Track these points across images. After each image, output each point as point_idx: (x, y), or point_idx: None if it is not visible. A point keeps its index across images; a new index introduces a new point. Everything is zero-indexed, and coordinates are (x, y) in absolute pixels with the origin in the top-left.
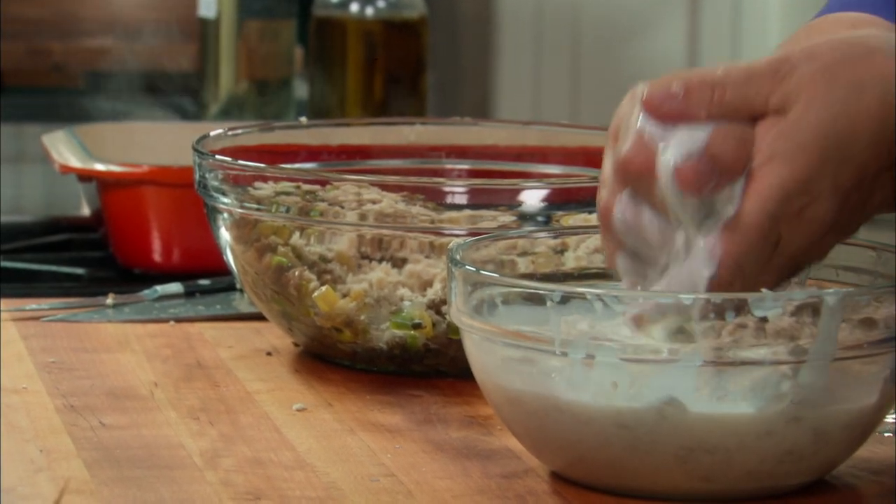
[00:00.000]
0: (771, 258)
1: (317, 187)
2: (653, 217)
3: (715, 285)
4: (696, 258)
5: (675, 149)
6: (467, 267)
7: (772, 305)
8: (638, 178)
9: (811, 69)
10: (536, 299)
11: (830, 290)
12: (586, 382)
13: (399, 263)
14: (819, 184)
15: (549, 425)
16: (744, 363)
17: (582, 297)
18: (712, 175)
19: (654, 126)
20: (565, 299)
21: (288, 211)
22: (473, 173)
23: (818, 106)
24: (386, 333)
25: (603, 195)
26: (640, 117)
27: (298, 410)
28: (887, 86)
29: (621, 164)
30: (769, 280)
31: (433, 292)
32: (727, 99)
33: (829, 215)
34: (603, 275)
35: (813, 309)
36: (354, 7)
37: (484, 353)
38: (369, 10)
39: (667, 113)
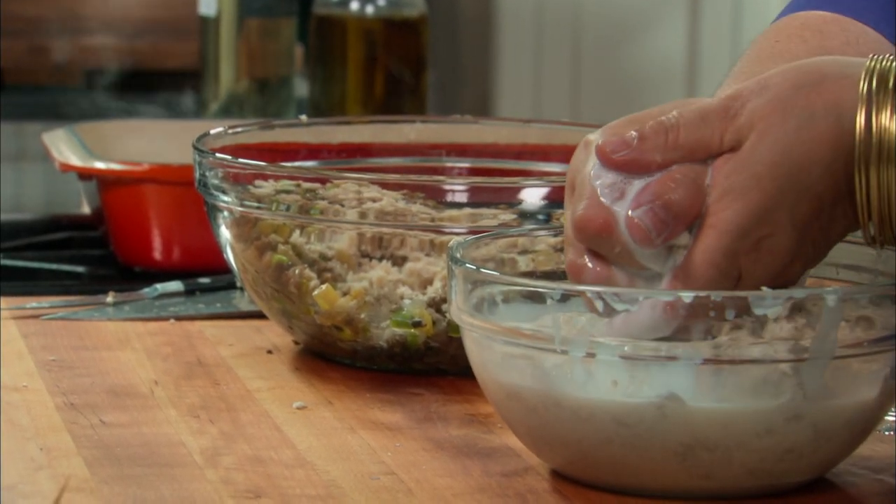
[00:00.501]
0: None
1: (317, 185)
2: (619, 270)
3: (671, 314)
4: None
5: (629, 201)
6: (467, 265)
7: (772, 304)
8: (597, 237)
9: (763, 102)
10: (537, 297)
11: (830, 289)
12: (586, 380)
13: (399, 262)
14: (776, 215)
15: (550, 423)
16: (743, 361)
17: (582, 295)
18: (666, 223)
19: (609, 178)
20: (565, 297)
21: (288, 209)
22: (474, 171)
23: (771, 137)
24: (386, 332)
25: (569, 255)
26: (595, 167)
27: (299, 408)
28: (839, 112)
29: (578, 224)
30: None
31: (433, 290)
32: (681, 142)
33: (789, 246)
34: None
35: (813, 307)
36: (355, 5)
37: (484, 351)
38: (369, 9)
39: (621, 161)
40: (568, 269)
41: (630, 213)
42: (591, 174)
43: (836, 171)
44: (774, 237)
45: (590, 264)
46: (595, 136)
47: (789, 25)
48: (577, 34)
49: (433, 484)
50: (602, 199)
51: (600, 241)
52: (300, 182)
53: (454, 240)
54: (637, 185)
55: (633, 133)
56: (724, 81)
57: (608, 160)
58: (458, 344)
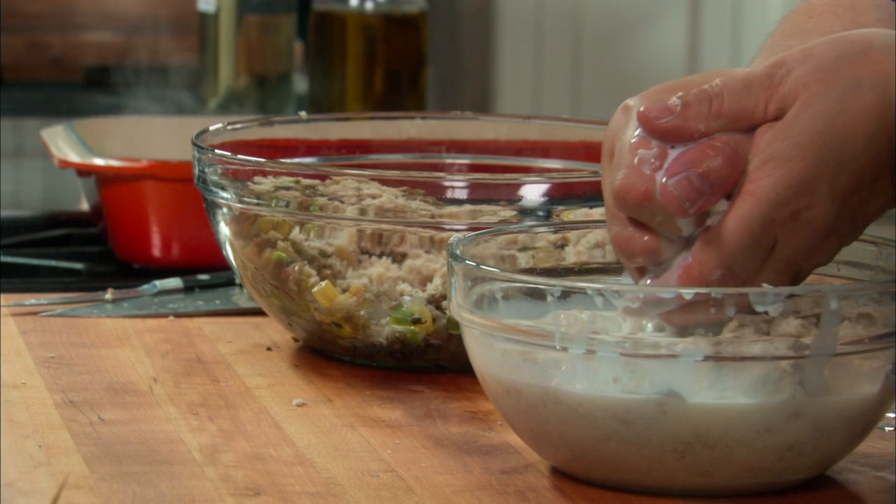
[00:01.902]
0: (766, 262)
1: (317, 182)
2: (665, 240)
3: (700, 281)
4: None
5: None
6: (467, 262)
7: (773, 300)
8: (637, 206)
9: (807, 70)
10: (537, 294)
11: (831, 286)
12: (587, 377)
13: (399, 258)
14: (816, 187)
15: (550, 420)
16: (744, 359)
17: (582, 291)
18: (701, 192)
19: (650, 145)
20: (566, 294)
21: (287, 206)
22: (474, 168)
23: (815, 107)
24: (386, 329)
25: (614, 228)
26: (635, 134)
27: (298, 406)
28: (885, 84)
29: (619, 194)
30: (766, 277)
31: (433, 287)
32: (725, 110)
33: (828, 219)
34: (603, 269)
35: (813, 304)
36: (354, 1)
37: (484, 348)
38: (369, 5)
39: (664, 128)
40: (614, 243)
41: (664, 180)
42: (631, 141)
43: (880, 144)
44: (813, 209)
45: (636, 234)
46: (635, 102)
47: (821, 2)
48: (577, 31)
49: (433, 481)
50: (642, 167)
51: (641, 210)
52: (300, 179)
53: (454, 236)
54: (676, 153)
55: (677, 100)
56: (755, 56)
57: (651, 127)
58: (458, 341)
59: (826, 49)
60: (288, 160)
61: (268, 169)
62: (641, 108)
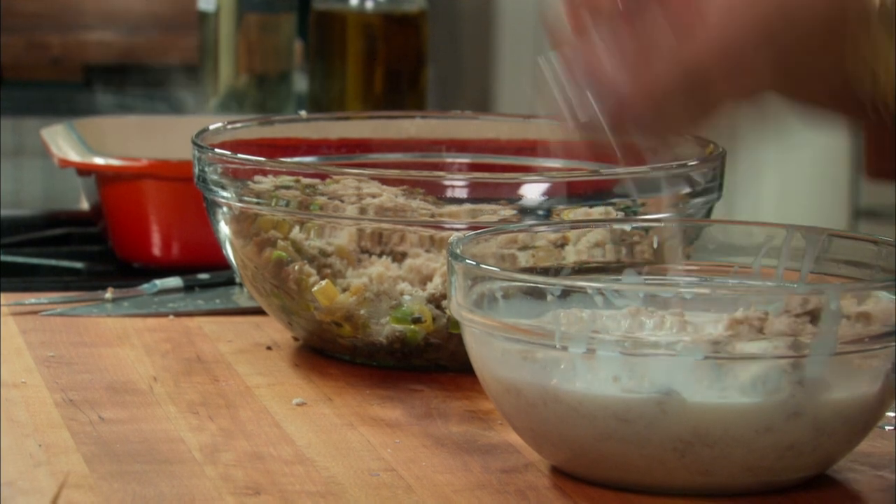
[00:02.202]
0: (680, 48)
1: (316, 181)
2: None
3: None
4: None
5: None
6: (467, 261)
7: (773, 299)
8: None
9: None
10: (537, 293)
11: (831, 284)
12: (587, 376)
13: (399, 258)
14: None
15: (550, 419)
16: (743, 358)
17: (582, 290)
18: None
19: None
20: (566, 293)
21: (287, 205)
22: (474, 167)
23: None
24: (386, 328)
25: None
26: None
27: (298, 405)
28: None
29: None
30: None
31: (433, 287)
32: None
33: (753, 29)
34: (603, 269)
35: (813, 303)
36: (354, 0)
37: (484, 347)
38: (369, 4)
39: None
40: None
41: None
42: None
43: (832, 9)
44: (742, 4)
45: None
46: None
47: None
48: None
49: (433, 480)
50: None
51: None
52: (300, 178)
53: (454, 235)
54: None
55: None
56: None
57: None
58: (458, 340)
59: None
60: (288, 159)
61: (268, 168)
62: None
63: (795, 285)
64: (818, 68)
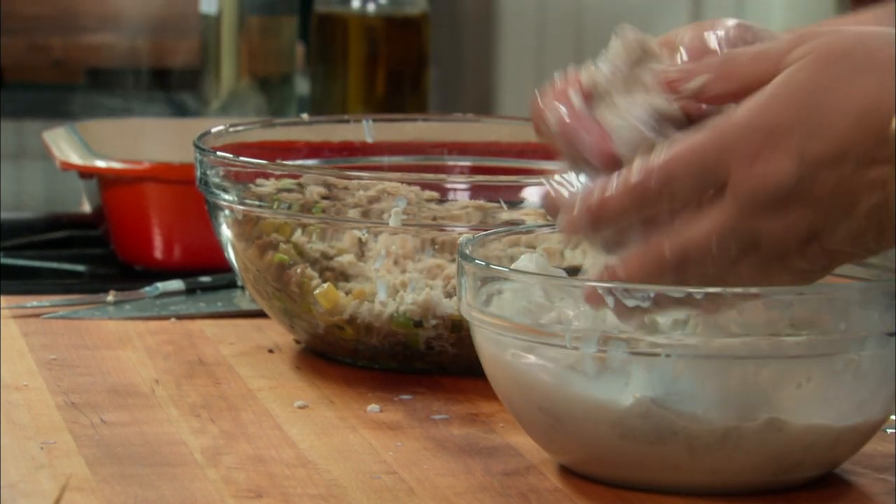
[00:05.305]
0: (711, 201)
1: (321, 188)
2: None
3: (640, 182)
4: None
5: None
6: (477, 261)
7: (778, 299)
8: None
9: (822, 42)
10: (547, 293)
11: (837, 285)
12: (596, 376)
13: (401, 260)
14: (784, 137)
15: (559, 419)
16: (752, 357)
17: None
18: (690, 73)
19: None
20: (576, 293)
21: (290, 208)
22: (475, 170)
23: (815, 72)
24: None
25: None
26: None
27: (300, 407)
28: (889, 75)
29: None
30: (711, 223)
31: (436, 289)
32: (737, 74)
33: (787, 177)
34: None
35: (822, 304)
36: (356, 3)
37: (494, 347)
38: (371, 7)
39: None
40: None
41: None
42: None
43: (868, 129)
44: (773, 160)
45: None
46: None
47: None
48: (578, 32)
49: (435, 483)
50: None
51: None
52: (301, 182)
53: (463, 236)
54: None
55: (700, 81)
56: None
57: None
58: (460, 343)
59: (851, 33)
60: (290, 162)
61: (270, 171)
62: (665, 77)
63: (802, 286)
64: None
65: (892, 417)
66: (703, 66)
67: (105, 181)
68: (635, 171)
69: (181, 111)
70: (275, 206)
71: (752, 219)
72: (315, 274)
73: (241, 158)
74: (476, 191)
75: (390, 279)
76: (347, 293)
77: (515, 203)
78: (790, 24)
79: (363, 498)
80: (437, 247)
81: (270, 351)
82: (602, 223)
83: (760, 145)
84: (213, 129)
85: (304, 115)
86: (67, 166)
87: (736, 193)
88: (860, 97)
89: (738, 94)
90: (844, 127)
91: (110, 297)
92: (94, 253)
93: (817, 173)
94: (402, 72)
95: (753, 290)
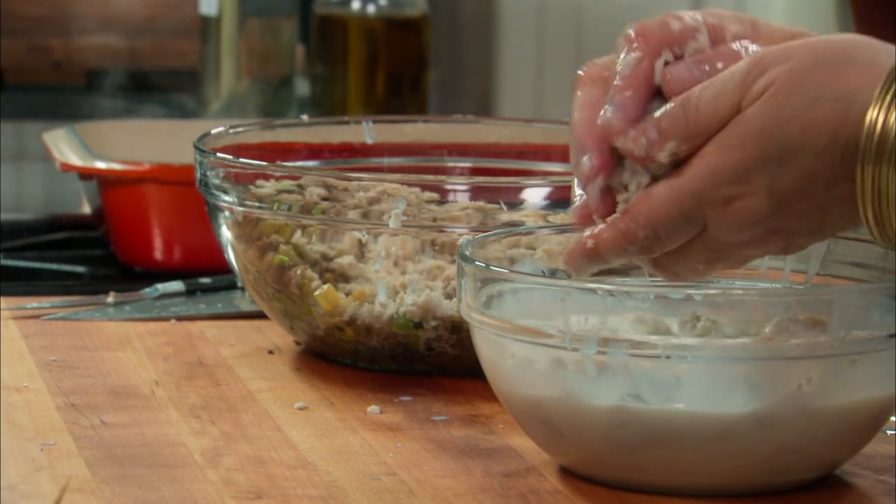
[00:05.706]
0: (695, 241)
1: (321, 190)
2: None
3: (623, 235)
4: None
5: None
6: (477, 262)
7: (780, 301)
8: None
9: (779, 72)
10: (547, 295)
11: (837, 287)
12: (596, 377)
13: (401, 262)
14: (754, 179)
15: (560, 420)
16: (752, 359)
17: (592, 292)
18: (655, 144)
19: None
20: (576, 294)
21: (289, 209)
22: (475, 171)
23: (771, 108)
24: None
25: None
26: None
27: (300, 409)
28: (849, 100)
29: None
30: (696, 264)
31: (436, 290)
32: (701, 126)
33: (760, 213)
34: (611, 270)
35: (820, 305)
36: (356, 5)
37: (494, 348)
38: (371, 8)
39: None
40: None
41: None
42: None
43: (832, 156)
44: (746, 199)
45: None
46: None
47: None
48: (578, 33)
49: (435, 484)
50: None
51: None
52: (301, 183)
53: (463, 238)
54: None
55: (654, 134)
56: None
57: (630, 155)
58: (460, 344)
59: (806, 53)
60: (290, 163)
61: (270, 172)
62: (615, 122)
63: (802, 287)
64: (819, 203)
65: (892, 418)
66: (666, 129)
67: (105, 182)
68: (622, 219)
69: (181, 112)
70: (275, 208)
71: (733, 248)
72: (315, 275)
73: (241, 160)
74: (476, 192)
75: (390, 280)
76: (347, 294)
77: (515, 204)
78: (790, 24)
79: (363, 499)
80: (437, 248)
81: (270, 352)
82: (597, 264)
83: (731, 191)
84: (213, 131)
85: (304, 117)
86: (67, 168)
87: (711, 235)
88: (822, 123)
89: (707, 141)
90: (809, 157)
91: (110, 298)
92: (94, 254)
93: (789, 204)
94: (402, 73)
95: (753, 290)
